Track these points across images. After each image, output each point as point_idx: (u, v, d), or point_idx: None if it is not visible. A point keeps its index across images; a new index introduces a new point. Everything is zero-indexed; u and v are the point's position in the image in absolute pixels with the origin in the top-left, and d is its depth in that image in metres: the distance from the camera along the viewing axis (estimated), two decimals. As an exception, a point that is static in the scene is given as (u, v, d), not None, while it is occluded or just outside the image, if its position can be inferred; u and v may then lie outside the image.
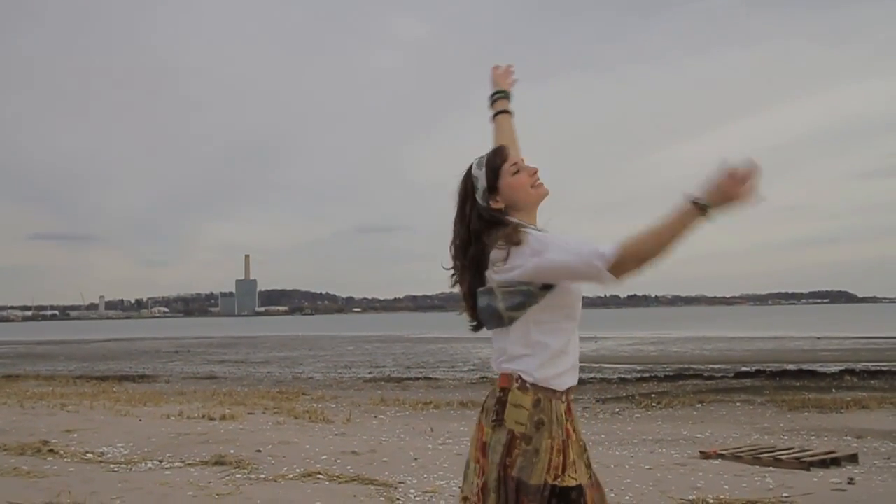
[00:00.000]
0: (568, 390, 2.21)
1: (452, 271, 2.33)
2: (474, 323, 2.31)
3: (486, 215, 2.24)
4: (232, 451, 7.27)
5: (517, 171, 2.28)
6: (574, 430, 2.20)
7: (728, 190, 1.97)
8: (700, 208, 1.98)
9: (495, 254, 2.17)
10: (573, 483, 2.12)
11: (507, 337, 2.20)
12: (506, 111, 2.73)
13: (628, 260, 2.02)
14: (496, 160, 2.29)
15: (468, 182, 2.29)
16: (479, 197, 2.25)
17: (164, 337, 71.12)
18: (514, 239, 2.14)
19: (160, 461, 6.97)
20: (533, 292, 2.14)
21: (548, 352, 2.18)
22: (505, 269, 2.15)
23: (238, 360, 35.40)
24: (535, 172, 2.31)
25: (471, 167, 2.31)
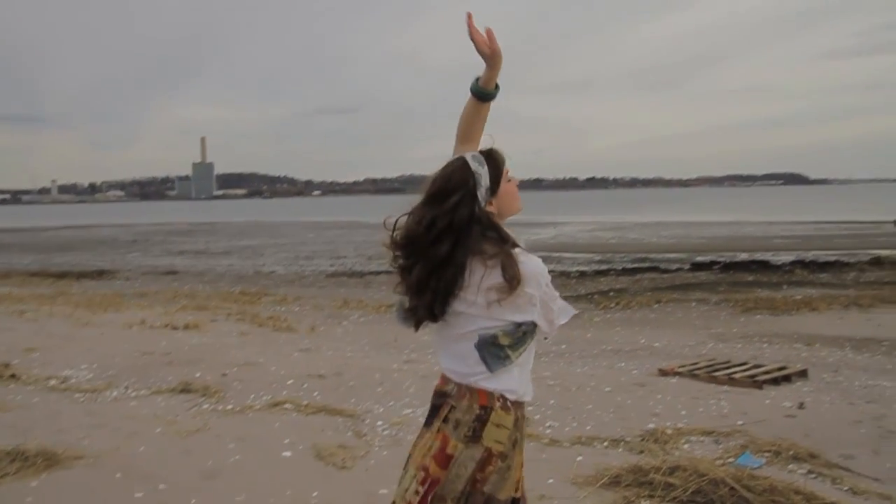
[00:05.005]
0: None
1: (397, 254, 2.20)
2: (416, 318, 2.18)
3: (483, 217, 2.13)
4: (198, 375, 7.29)
5: (510, 179, 2.23)
6: None
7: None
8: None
9: (493, 280, 2.09)
10: (524, 492, 2.26)
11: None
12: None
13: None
14: (499, 162, 2.21)
15: (465, 175, 2.15)
16: (480, 195, 2.14)
17: (121, 224, 70.22)
18: (515, 275, 2.07)
19: (126, 388, 6.96)
20: (533, 329, 2.17)
21: (526, 368, 2.22)
22: (515, 306, 2.11)
23: (198, 251, 35.21)
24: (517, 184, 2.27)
25: (462, 161, 2.18)
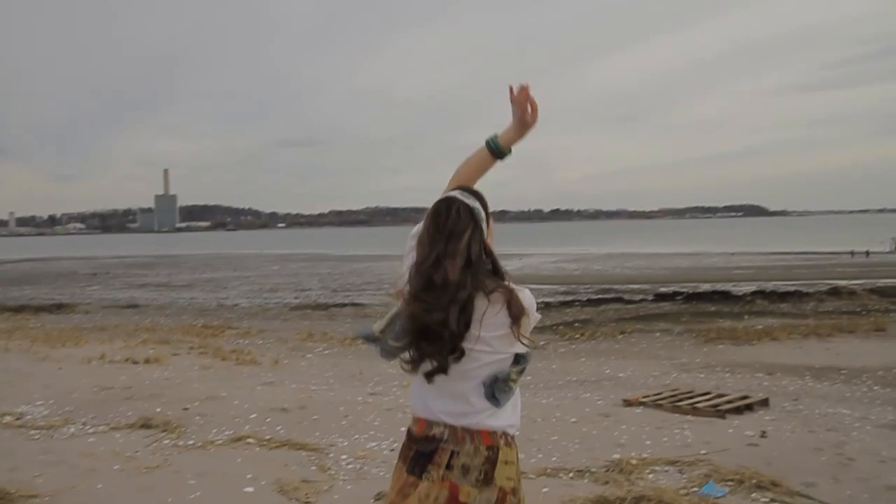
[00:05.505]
0: None
1: (422, 306, 2.03)
2: (431, 368, 2.06)
3: (488, 251, 2.11)
4: (158, 410, 7.16)
5: None
6: None
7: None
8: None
9: (497, 317, 2.03)
10: None
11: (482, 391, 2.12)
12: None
13: None
14: (484, 197, 2.19)
15: (469, 211, 2.10)
16: (483, 230, 2.11)
17: (82, 256, 69.09)
18: (522, 311, 2.04)
19: (83, 424, 6.80)
20: (529, 356, 2.13)
21: (518, 399, 2.16)
22: (520, 338, 2.06)
23: (160, 284, 34.77)
24: None
25: (459, 199, 2.12)
